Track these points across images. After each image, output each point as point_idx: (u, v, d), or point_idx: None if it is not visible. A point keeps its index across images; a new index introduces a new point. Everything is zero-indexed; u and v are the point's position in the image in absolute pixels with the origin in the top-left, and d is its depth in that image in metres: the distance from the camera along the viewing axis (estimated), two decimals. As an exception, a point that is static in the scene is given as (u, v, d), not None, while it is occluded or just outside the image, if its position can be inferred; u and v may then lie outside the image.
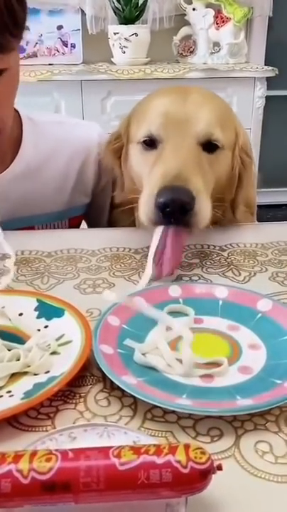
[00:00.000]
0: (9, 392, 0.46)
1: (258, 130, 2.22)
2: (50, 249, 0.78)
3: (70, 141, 0.94)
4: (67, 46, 2.14)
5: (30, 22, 2.04)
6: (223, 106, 0.82)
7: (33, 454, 0.34)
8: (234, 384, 0.47)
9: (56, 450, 0.35)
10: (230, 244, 0.79)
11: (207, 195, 0.70)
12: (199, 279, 0.68)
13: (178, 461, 0.34)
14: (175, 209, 0.66)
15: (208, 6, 2.17)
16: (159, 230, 0.68)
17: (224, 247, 0.78)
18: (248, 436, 0.42)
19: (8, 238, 0.81)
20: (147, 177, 0.74)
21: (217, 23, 2.19)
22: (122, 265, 0.73)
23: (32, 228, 0.93)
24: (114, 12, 2.06)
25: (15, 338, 0.54)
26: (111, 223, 0.99)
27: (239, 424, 0.43)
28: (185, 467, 0.33)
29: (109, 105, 1.98)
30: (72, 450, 0.35)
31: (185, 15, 2.21)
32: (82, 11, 2.18)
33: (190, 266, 0.72)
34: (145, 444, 0.36)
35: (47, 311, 0.58)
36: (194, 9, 2.18)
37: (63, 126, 0.96)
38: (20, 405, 0.44)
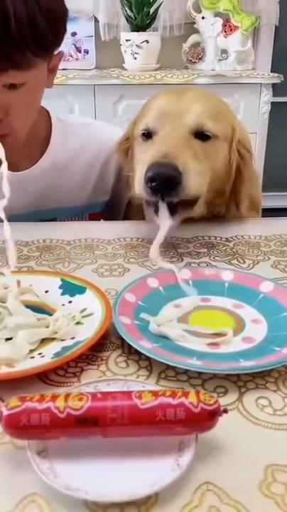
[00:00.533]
0: (40, 353, 0.53)
1: (264, 134, 2.28)
2: (70, 239, 0.84)
3: (94, 143, 1.01)
4: (80, 52, 2.22)
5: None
6: (217, 102, 0.87)
7: (68, 395, 0.41)
8: (238, 350, 0.53)
9: (87, 392, 0.41)
10: (235, 236, 0.85)
11: (199, 175, 0.75)
12: (207, 265, 0.74)
13: (190, 402, 0.40)
14: (161, 182, 0.70)
15: (217, 14, 2.24)
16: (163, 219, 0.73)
17: (230, 239, 0.84)
18: (250, 393, 0.48)
19: (31, 228, 0.88)
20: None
21: (225, 31, 2.26)
22: (135, 253, 0.79)
23: (54, 220, 1.00)
24: (127, 20, 2.13)
25: (43, 311, 0.60)
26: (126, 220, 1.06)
27: (242, 383, 0.49)
28: (196, 407, 0.40)
29: (121, 108, 2.05)
30: (100, 392, 0.41)
31: (194, 23, 2.28)
32: (96, 19, 2.26)
33: (198, 254, 0.78)
34: (162, 389, 0.42)
35: (71, 288, 0.64)
36: (203, 18, 2.25)
37: (88, 128, 1.03)
38: (50, 363, 0.50)
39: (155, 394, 0.41)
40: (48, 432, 0.39)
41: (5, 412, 0.39)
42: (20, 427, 0.39)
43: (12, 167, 0.79)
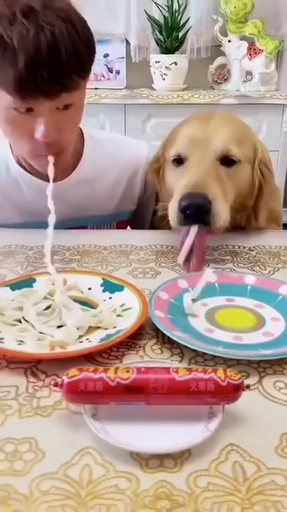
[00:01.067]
0: (88, 339, 0.61)
1: (286, 152, 2.36)
2: (106, 245, 0.93)
3: (122, 157, 1.10)
4: (112, 72, 2.34)
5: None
6: (240, 126, 0.96)
7: (117, 368, 0.49)
8: (259, 342, 0.61)
9: (133, 366, 0.49)
10: (257, 246, 0.93)
11: (225, 201, 0.83)
12: (231, 271, 0.82)
13: (219, 377, 0.48)
14: (193, 211, 0.80)
15: (242, 38, 2.34)
16: (184, 231, 0.82)
17: (252, 248, 0.92)
18: (268, 377, 0.56)
19: (67, 235, 0.97)
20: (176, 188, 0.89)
21: (250, 54, 2.35)
22: (166, 258, 0.88)
23: (85, 228, 1.09)
24: (156, 43, 2.25)
25: (87, 305, 0.69)
26: (151, 229, 1.14)
27: (262, 369, 0.57)
28: (223, 381, 0.47)
29: (149, 126, 2.15)
30: (144, 367, 0.49)
31: (220, 46, 2.39)
32: (127, 41, 2.38)
33: (223, 261, 0.86)
34: (194, 366, 0.50)
35: (111, 286, 0.73)
36: (229, 41, 2.35)
37: (116, 143, 1.12)
38: (96, 347, 0.58)
39: (189, 370, 0.49)
40: (101, 397, 0.48)
41: (66, 380, 0.48)
42: (78, 392, 0.47)
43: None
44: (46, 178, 0.89)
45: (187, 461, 0.44)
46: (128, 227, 1.20)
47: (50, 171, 0.88)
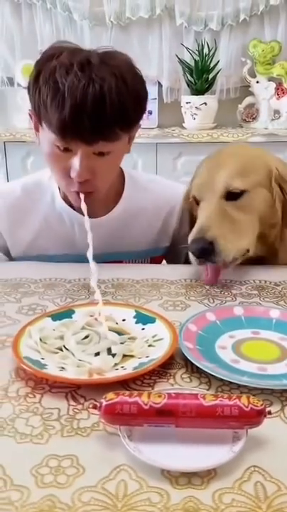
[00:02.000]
0: (123, 367, 0.67)
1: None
2: (138, 278, 1.00)
3: (160, 197, 1.17)
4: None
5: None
6: (246, 155, 1.03)
7: (150, 393, 0.54)
8: (282, 373, 0.65)
9: (164, 392, 0.55)
10: (283, 281, 0.97)
11: (232, 237, 0.92)
12: (257, 305, 0.87)
13: (243, 403, 0.52)
14: (199, 254, 0.92)
15: (270, 79, 2.43)
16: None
17: (278, 283, 0.96)
18: (291, 406, 0.60)
19: (102, 269, 1.04)
20: None
21: (278, 94, 2.43)
22: (195, 292, 0.93)
23: (120, 262, 1.16)
24: (187, 84, 2.36)
25: (121, 335, 0.75)
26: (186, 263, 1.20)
27: (284, 398, 0.61)
28: (247, 407, 0.52)
29: (180, 164, 2.24)
30: (174, 392, 0.55)
31: (249, 86, 2.48)
32: (159, 83, 2.50)
33: (249, 295, 0.91)
34: (221, 394, 0.55)
35: (143, 318, 0.78)
36: (257, 82, 2.44)
37: (155, 185, 1.20)
38: (130, 374, 0.64)
39: (215, 396, 0.54)
40: (135, 419, 0.53)
41: (104, 403, 0.53)
42: (115, 414, 0.53)
43: (91, 214, 0.96)
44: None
45: (213, 479, 0.49)
46: (164, 261, 1.26)
47: (83, 207, 0.96)
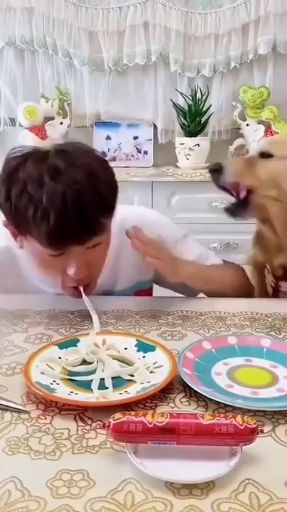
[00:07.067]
0: (126, 391, 0.72)
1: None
2: (138, 310, 1.06)
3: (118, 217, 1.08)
4: (141, 152, 2.59)
5: (113, 133, 2.53)
6: None
7: (154, 412, 0.60)
8: (273, 397, 0.71)
9: (167, 412, 0.60)
10: (273, 313, 1.04)
11: None
12: (249, 335, 0.93)
13: (237, 422, 0.58)
14: None
15: (260, 122, 2.57)
16: None
17: (269, 314, 1.03)
18: (281, 426, 0.65)
19: (108, 301, 1.10)
20: None
21: (267, 136, 2.57)
22: (190, 323, 0.99)
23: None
24: (181, 127, 2.48)
25: (123, 363, 0.81)
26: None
27: (275, 420, 0.66)
28: (241, 425, 0.58)
29: (174, 201, 2.33)
30: (175, 412, 0.60)
31: (239, 129, 2.61)
32: (155, 125, 2.64)
33: (242, 326, 0.97)
34: (217, 414, 0.61)
35: (144, 347, 0.84)
36: (247, 125, 2.58)
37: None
38: (133, 398, 0.69)
39: (213, 415, 0.59)
40: (141, 436, 0.58)
41: (112, 422, 0.59)
42: (122, 432, 0.58)
43: None
44: None
45: (212, 490, 0.54)
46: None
47: (85, 299, 0.97)
